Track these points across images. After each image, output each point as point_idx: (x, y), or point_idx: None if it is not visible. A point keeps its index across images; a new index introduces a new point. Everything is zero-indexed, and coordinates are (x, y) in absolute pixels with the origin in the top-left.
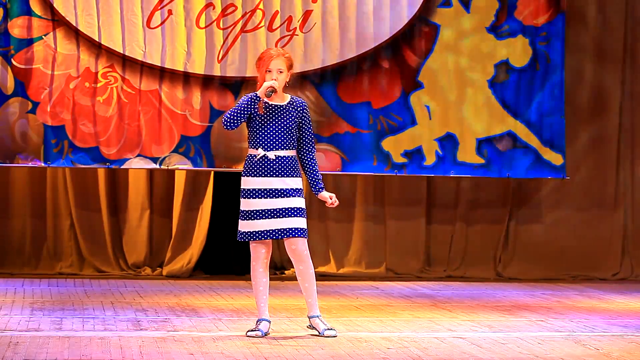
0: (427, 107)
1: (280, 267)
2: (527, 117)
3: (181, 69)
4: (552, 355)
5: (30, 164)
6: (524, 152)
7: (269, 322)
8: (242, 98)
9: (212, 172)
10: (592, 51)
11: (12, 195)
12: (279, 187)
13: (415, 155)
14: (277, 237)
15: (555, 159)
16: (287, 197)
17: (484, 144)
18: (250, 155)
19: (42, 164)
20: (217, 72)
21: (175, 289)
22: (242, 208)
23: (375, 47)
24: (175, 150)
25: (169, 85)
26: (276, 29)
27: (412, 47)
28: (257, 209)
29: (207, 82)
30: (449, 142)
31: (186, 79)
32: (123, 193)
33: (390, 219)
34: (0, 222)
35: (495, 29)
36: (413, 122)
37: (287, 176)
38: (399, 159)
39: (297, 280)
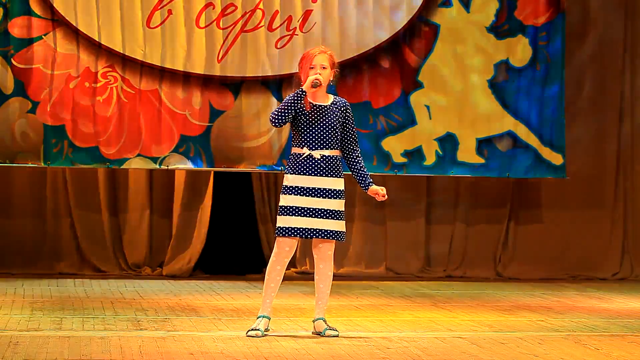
0: (427, 107)
1: None
2: (527, 117)
3: (181, 68)
4: (552, 355)
5: (30, 164)
6: (524, 152)
7: (269, 319)
8: (286, 98)
9: (212, 172)
10: (592, 51)
11: (12, 195)
12: (321, 186)
13: (415, 155)
14: (312, 237)
15: (555, 159)
16: (329, 198)
17: (484, 144)
18: (295, 154)
19: (42, 164)
20: (217, 72)
21: (175, 289)
22: (282, 204)
23: (375, 47)
24: (175, 150)
25: (168, 85)
26: (276, 28)
27: (412, 47)
28: (297, 205)
29: (207, 82)
30: (449, 142)
31: (186, 78)
32: (123, 193)
33: (390, 219)
34: (0, 222)
35: (495, 29)
36: (413, 122)
37: (330, 176)
38: (399, 159)
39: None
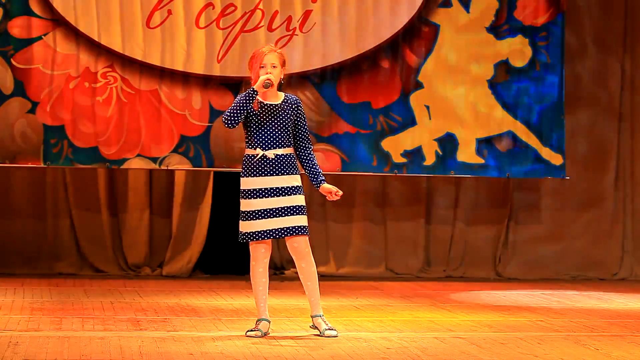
0: (427, 107)
1: (280, 267)
2: (527, 117)
3: (181, 69)
4: (552, 355)
5: (30, 164)
6: (524, 152)
7: (269, 322)
8: (239, 95)
9: (212, 172)
10: (591, 50)
11: (12, 195)
12: (279, 185)
13: (415, 155)
14: (279, 236)
15: (555, 159)
16: (288, 195)
17: (484, 144)
18: (248, 155)
19: (42, 164)
20: (216, 72)
21: (175, 289)
22: (242, 209)
23: (375, 47)
24: (175, 150)
25: (168, 85)
26: (276, 28)
27: (412, 47)
28: (258, 209)
29: (206, 82)
30: (449, 142)
31: (186, 79)
32: (123, 193)
33: (390, 219)
34: (0, 222)
35: (495, 29)
36: (413, 122)
37: (287, 174)
38: (399, 159)
39: (297, 280)
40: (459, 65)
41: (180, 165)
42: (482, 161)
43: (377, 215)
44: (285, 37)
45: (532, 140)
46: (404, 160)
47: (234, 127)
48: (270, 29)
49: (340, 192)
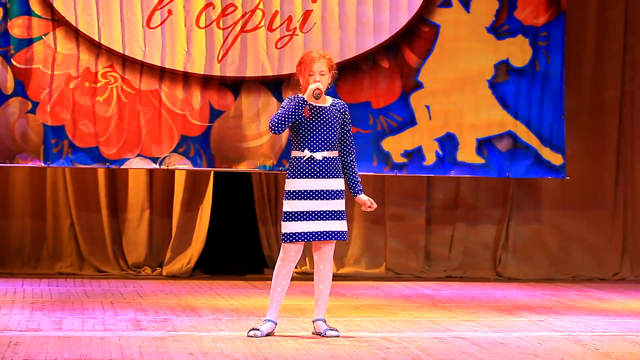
0: (427, 107)
1: None
2: (527, 117)
3: (181, 68)
4: (552, 355)
5: (30, 164)
6: (524, 152)
7: (275, 324)
8: (285, 101)
9: (212, 172)
10: (591, 51)
11: (12, 195)
12: (324, 188)
13: (415, 155)
14: (321, 239)
15: (555, 159)
16: (332, 199)
17: (484, 144)
18: (295, 157)
19: (42, 164)
20: (216, 72)
21: (175, 289)
22: (285, 210)
23: (375, 47)
24: (175, 150)
25: (168, 85)
26: (276, 28)
27: (412, 47)
28: (302, 210)
29: (206, 82)
30: (449, 142)
31: (186, 79)
32: (123, 193)
33: (390, 219)
34: (0, 222)
35: (495, 29)
36: (413, 122)
37: (333, 177)
38: (399, 159)
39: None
40: (459, 65)
41: (180, 165)
42: (482, 161)
43: (377, 215)
44: (285, 37)
45: (532, 140)
46: (404, 160)
47: (280, 133)
48: (270, 29)
49: (375, 205)
